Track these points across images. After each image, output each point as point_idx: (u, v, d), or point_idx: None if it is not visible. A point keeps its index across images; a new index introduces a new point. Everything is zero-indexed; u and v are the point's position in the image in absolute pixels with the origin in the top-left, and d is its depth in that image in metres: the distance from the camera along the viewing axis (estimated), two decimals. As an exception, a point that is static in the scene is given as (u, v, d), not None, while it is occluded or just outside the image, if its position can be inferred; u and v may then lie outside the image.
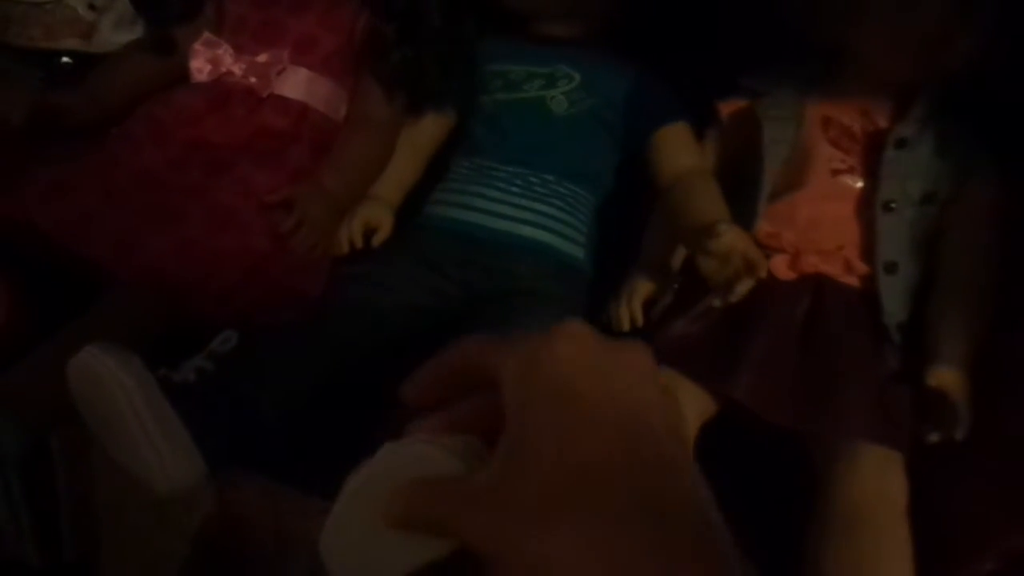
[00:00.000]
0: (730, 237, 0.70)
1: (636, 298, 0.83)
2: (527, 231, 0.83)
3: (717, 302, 0.72)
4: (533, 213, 0.84)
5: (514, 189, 0.84)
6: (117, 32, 0.96)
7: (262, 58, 0.85)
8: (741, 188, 0.83)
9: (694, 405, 0.74)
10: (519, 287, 0.79)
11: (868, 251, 0.78)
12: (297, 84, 0.85)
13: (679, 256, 0.85)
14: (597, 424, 0.25)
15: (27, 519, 0.68)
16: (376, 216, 0.86)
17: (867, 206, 0.78)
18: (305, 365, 0.69)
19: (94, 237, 0.70)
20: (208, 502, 0.65)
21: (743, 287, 0.70)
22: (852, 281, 0.78)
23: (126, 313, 0.70)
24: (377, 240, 0.86)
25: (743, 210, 0.80)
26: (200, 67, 0.85)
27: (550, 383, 0.25)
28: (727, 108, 0.86)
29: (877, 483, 0.66)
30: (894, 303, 0.76)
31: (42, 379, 0.64)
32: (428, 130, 0.92)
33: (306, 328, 0.72)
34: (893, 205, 0.77)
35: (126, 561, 0.71)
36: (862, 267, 0.78)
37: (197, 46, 0.85)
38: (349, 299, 0.76)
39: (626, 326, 0.82)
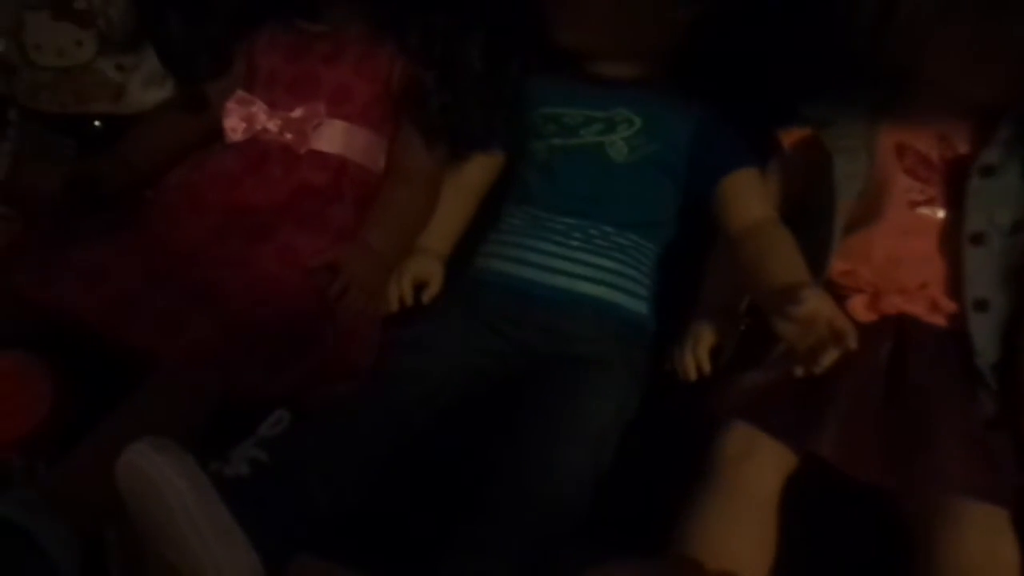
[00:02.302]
0: (814, 304, 0.65)
1: (702, 345, 0.78)
2: (588, 288, 0.78)
3: (799, 371, 0.67)
4: (594, 268, 0.78)
5: (573, 243, 0.79)
6: (147, 91, 0.93)
7: (297, 113, 0.81)
8: (809, 222, 0.78)
9: (774, 461, 0.69)
10: (580, 351, 0.74)
11: (955, 288, 0.72)
12: (334, 137, 0.82)
13: (744, 300, 0.80)
14: None
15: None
16: (426, 270, 0.82)
17: (951, 239, 0.73)
18: (361, 447, 0.66)
19: (136, 322, 0.67)
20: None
21: (828, 359, 0.65)
22: (938, 320, 0.73)
23: (172, 397, 0.66)
24: (428, 296, 0.82)
25: (814, 247, 0.75)
26: (234, 126, 0.82)
27: None
28: (789, 138, 0.81)
29: (986, 544, 0.61)
30: (986, 343, 0.71)
31: (91, 477, 0.60)
32: (475, 174, 0.88)
33: (359, 404, 0.68)
34: (982, 238, 0.71)
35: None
36: (949, 305, 0.72)
37: (230, 104, 0.82)
38: (402, 368, 0.72)
39: (693, 375, 0.78)
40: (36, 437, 0.67)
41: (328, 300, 0.72)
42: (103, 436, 0.63)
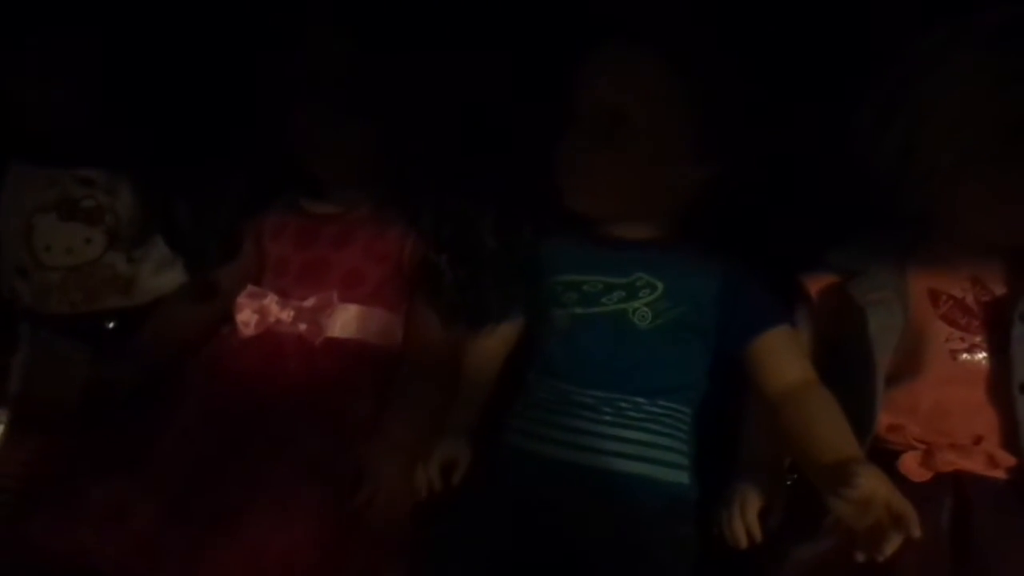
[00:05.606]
0: (870, 486, 0.61)
1: (750, 509, 0.73)
2: (625, 465, 0.74)
3: (861, 556, 0.63)
4: (629, 444, 0.74)
5: (605, 418, 0.75)
6: (157, 276, 0.92)
7: (310, 302, 0.80)
8: (847, 371, 0.75)
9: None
10: (622, 537, 0.70)
11: (1010, 439, 0.69)
12: (348, 322, 0.80)
13: (787, 457, 0.76)
14: None
15: None
16: (453, 451, 0.78)
17: (999, 386, 0.70)
18: None
19: (156, 563, 0.63)
20: None
21: (891, 546, 0.61)
22: (998, 474, 0.69)
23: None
24: (457, 477, 0.78)
25: (857, 402, 0.71)
26: (247, 320, 0.80)
27: None
28: (815, 285, 0.78)
29: None
30: (1050, 494, 0.67)
31: None
32: (495, 342, 0.85)
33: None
34: (1032, 387, 0.68)
35: None
36: (1008, 459, 0.69)
37: (241, 299, 0.81)
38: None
39: (744, 542, 0.73)
40: None
41: (354, 511, 0.68)
42: None
